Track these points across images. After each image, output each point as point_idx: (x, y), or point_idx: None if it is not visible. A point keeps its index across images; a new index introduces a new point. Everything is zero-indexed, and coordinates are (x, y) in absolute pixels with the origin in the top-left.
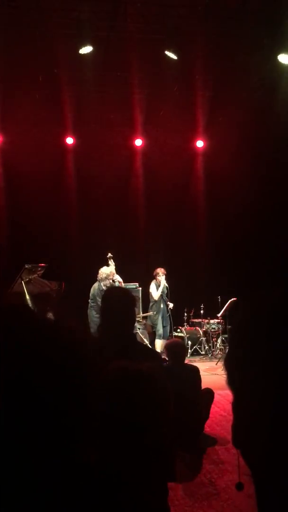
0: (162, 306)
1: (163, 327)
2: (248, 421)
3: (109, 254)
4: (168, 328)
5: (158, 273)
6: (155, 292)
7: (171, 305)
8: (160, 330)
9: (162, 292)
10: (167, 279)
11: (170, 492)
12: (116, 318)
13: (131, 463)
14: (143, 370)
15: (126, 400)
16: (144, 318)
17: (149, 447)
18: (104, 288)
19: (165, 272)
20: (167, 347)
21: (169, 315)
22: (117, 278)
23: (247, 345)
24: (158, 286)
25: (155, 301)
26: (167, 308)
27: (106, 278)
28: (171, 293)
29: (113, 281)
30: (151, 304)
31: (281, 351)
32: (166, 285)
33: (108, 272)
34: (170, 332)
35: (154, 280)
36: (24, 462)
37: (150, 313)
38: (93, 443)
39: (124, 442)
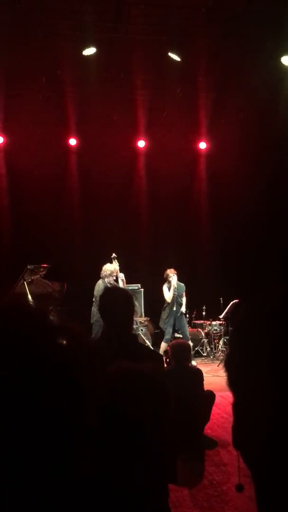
0: (175, 308)
1: (177, 329)
2: (249, 422)
3: (113, 254)
4: (186, 329)
5: (168, 275)
6: (167, 293)
7: (183, 308)
8: (168, 335)
9: (175, 293)
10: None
11: (171, 493)
12: (115, 318)
13: (132, 464)
14: (143, 371)
15: (126, 401)
16: (146, 319)
17: (150, 448)
18: (108, 285)
19: (175, 272)
20: (171, 348)
21: (182, 315)
22: (121, 276)
23: (247, 347)
24: (170, 288)
25: (168, 303)
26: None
27: (110, 275)
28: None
29: (116, 279)
30: (164, 305)
31: (282, 353)
32: (182, 284)
33: (112, 268)
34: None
35: (166, 282)
36: (21, 467)
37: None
38: (93, 446)
39: (125, 442)
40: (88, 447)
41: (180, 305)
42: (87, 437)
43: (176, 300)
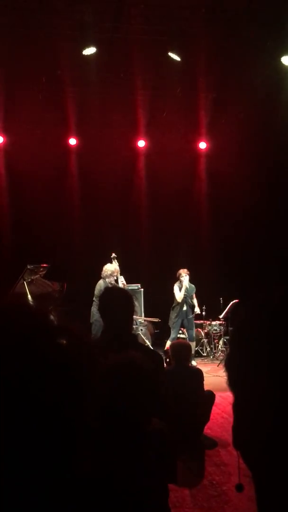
0: (185, 308)
1: (189, 329)
2: (248, 422)
3: (113, 254)
4: (192, 331)
5: (180, 274)
6: (178, 293)
7: (196, 309)
8: (174, 334)
9: (185, 293)
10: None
11: (171, 493)
12: (115, 318)
13: (131, 463)
14: (126, 358)
15: (115, 388)
16: (147, 320)
17: (143, 434)
18: (109, 285)
19: (188, 273)
20: (171, 348)
21: (192, 317)
22: (121, 279)
23: (247, 347)
24: (181, 288)
25: (178, 303)
26: (192, 310)
27: (111, 275)
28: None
29: (117, 280)
30: (173, 305)
31: (282, 353)
32: (193, 285)
33: (113, 269)
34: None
35: (178, 282)
36: (21, 467)
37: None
38: (93, 446)
39: (119, 433)
40: (88, 447)
41: (192, 306)
42: (87, 437)
43: (186, 301)
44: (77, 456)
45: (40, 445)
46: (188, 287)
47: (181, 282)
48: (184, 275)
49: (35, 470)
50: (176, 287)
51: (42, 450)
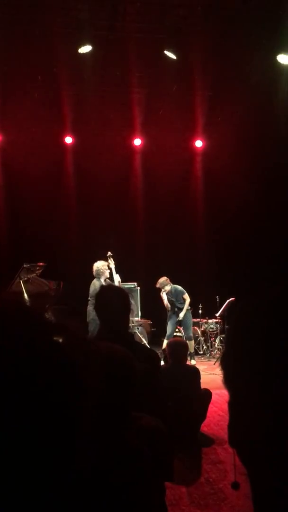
0: (176, 310)
1: (184, 329)
2: (244, 420)
3: (109, 253)
4: (189, 331)
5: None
6: (165, 301)
7: (181, 315)
8: (168, 332)
9: (172, 299)
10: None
11: (168, 491)
12: (111, 317)
13: (127, 460)
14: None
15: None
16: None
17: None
18: (104, 283)
19: (166, 279)
20: (168, 346)
21: (185, 316)
22: (117, 278)
23: (243, 344)
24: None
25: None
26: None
27: (106, 269)
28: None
29: (111, 278)
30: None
31: (277, 351)
32: (179, 287)
33: (104, 265)
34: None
35: (162, 290)
36: (20, 466)
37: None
38: (91, 443)
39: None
40: (87, 445)
41: (180, 309)
42: (86, 434)
43: (174, 304)
44: (76, 453)
45: (39, 443)
46: (172, 291)
47: (165, 290)
48: (166, 284)
49: (34, 469)
50: (162, 295)
51: (40, 448)
